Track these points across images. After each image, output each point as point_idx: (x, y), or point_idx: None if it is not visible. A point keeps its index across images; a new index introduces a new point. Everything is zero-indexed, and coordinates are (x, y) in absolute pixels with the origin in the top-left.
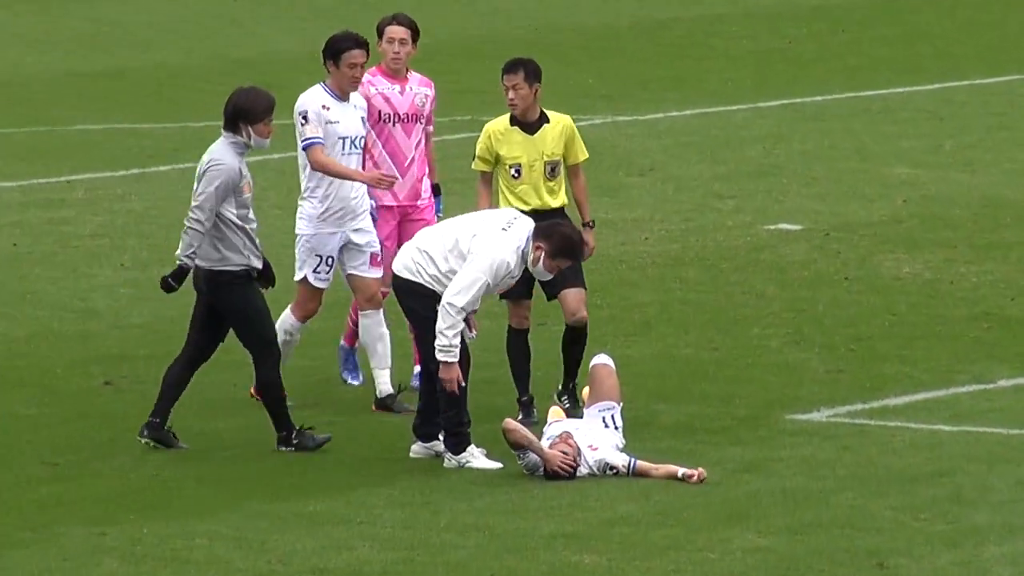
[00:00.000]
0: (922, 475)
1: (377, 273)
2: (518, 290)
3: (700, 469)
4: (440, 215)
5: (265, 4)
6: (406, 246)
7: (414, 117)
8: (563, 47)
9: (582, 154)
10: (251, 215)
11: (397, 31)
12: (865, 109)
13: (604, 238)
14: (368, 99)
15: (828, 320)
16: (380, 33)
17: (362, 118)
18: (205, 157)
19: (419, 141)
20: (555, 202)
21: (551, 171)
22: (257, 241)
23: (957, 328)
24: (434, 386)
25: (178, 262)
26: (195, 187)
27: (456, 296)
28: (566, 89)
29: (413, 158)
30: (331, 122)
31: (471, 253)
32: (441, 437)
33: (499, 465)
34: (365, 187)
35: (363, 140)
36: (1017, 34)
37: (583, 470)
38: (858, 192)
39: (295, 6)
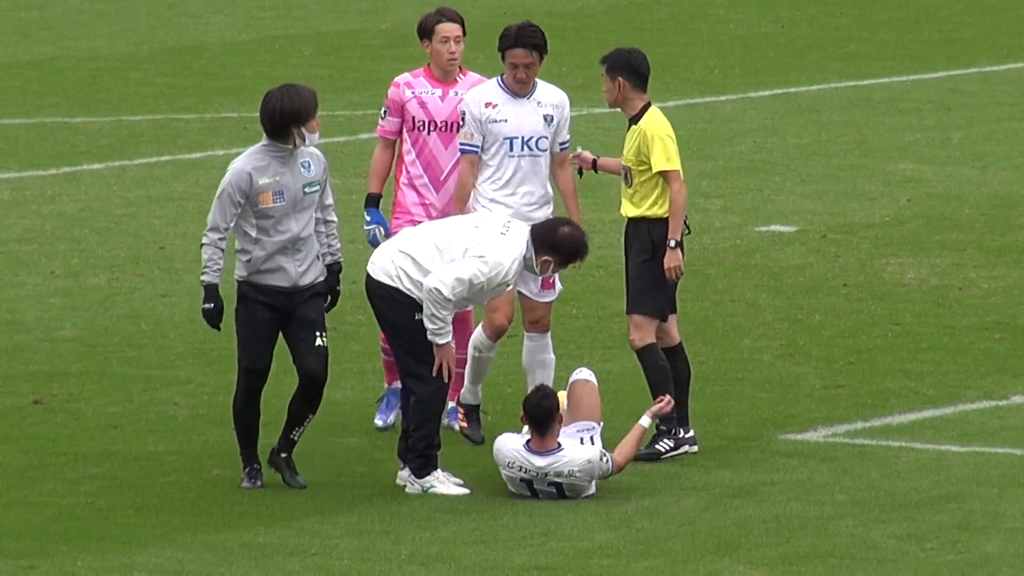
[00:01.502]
0: (928, 500)
1: (546, 297)
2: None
3: (660, 402)
4: None
5: None
6: (384, 247)
7: (455, 126)
8: None
9: (657, 163)
10: (281, 226)
11: (451, 29)
12: (865, 99)
13: None
14: (403, 104)
15: (825, 331)
16: (426, 32)
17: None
18: None
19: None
20: (633, 211)
21: (624, 177)
22: (300, 254)
23: (966, 339)
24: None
25: (201, 282)
26: None
27: (442, 283)
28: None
29: (452, 171)
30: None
31: (470, 252)
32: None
33: (466, 491)
34: (534, 196)
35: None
36: None
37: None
38: (858, 190)
39: None
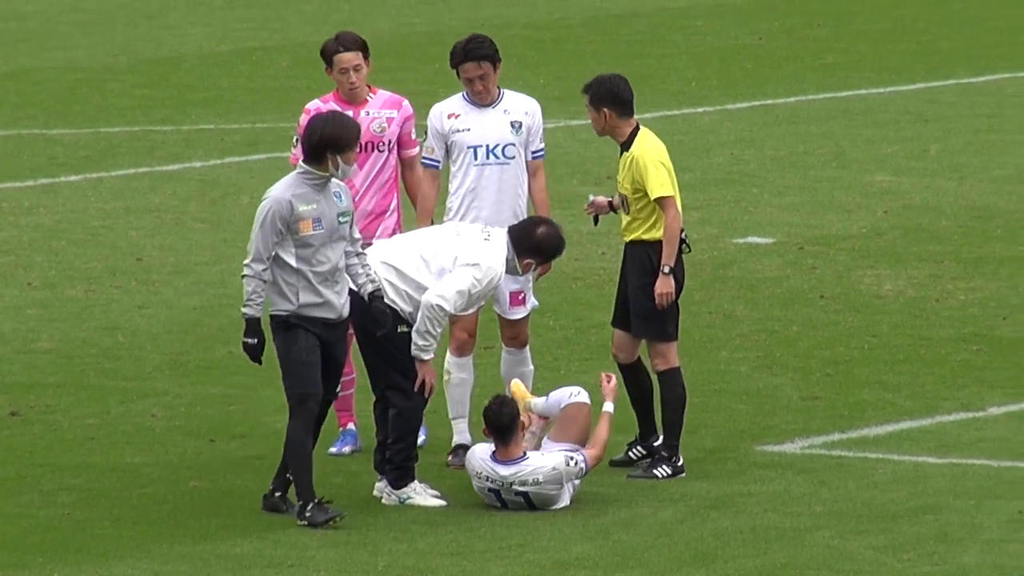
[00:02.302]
0: (905, 511)
1: (516, 314)
2: None
3: (608, 382)
4: None
5: None
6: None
7: (368, 146)
8: (512, 44)
9: (652, 189)
10: (320, 256)
11: (348, 59)
12: (843, 111)
13: None
14: None
15: (802, 342)
16: (327, 60)
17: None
18: None
19: (378, 172)
20: (631, 236)
21: (621, 203)
22: (337, 285)
23: (943, 351)
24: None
25: (243, 315)
26: None
27: (444, 298)
28: (514, 90)
29: (367, 190)
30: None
31: (460, 261)
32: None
33: (443, 503)
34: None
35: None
36: (1006, 30)
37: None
38: (835, 202)
39: None
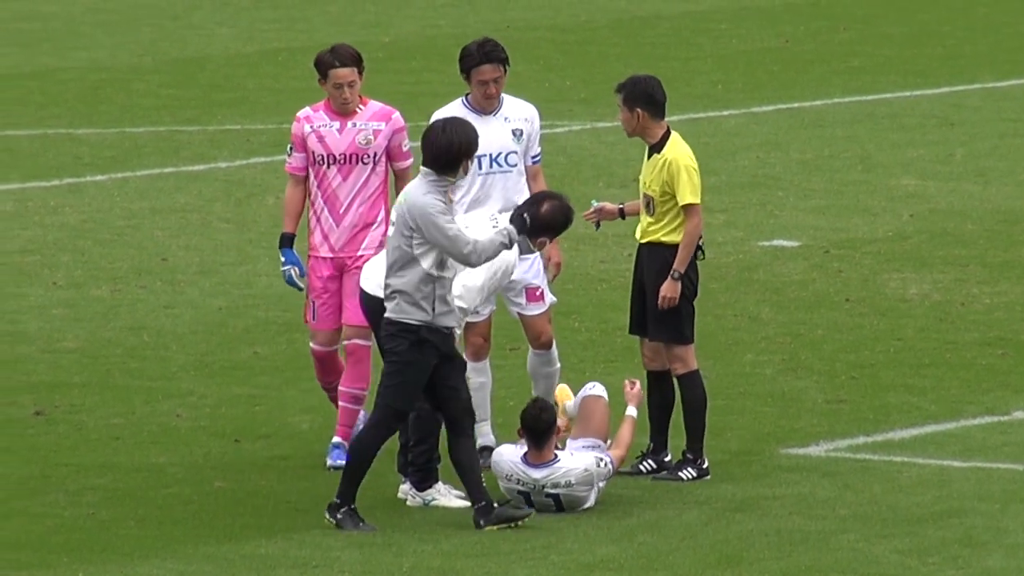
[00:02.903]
0: (930, 515)
1: (535, 309)
2: None
3: (632, 387)
4: None
5: None
6: (375, 261)
7: (354, 158)
8: (537, 46)
9: (682, 196)
10: (451, 262)
11: (344, 75)
12: (869, 115)
13: (583, 255)
14: (303, 139)
15: (828, 345)
16: (322, 72)
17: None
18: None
19: (363, 184)
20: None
21: (646, 204)
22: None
23: (968, 355)
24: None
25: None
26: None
27: (461, 298)
28: (541, 92)
29: (352, 204)
30: None
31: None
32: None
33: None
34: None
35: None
36: None
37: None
38: (861, 205)
39: None
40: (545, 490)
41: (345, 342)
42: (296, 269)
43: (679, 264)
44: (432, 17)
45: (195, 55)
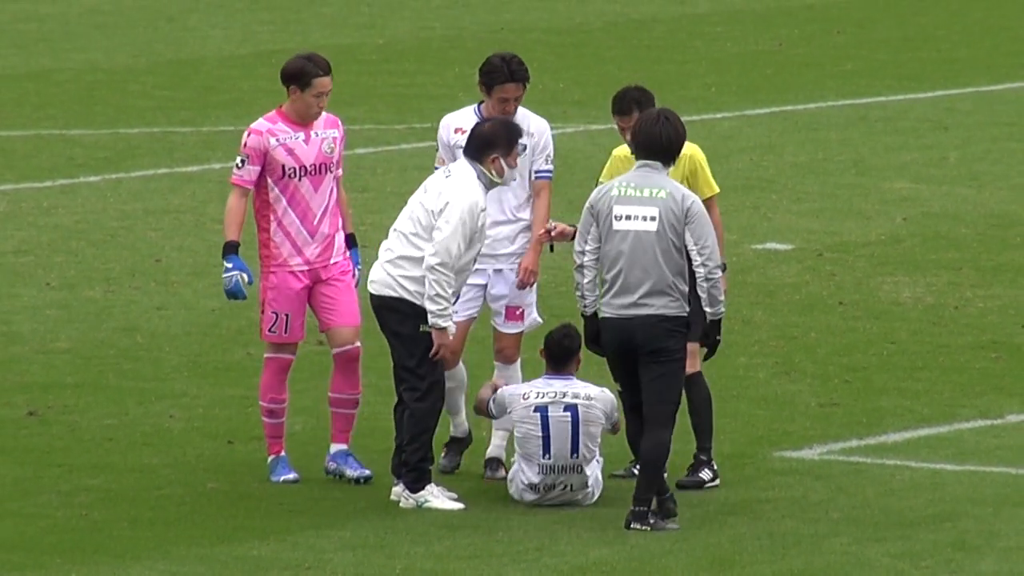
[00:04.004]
0: (923, 519)
1: (510, 328)
2: None
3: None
4: (360, 268)
5: None
6: (375, 265)
7: (323, 168)
8: (532, 49)
9: (708, 188)
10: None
11: (326, 83)
12: (862, 118)
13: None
14: (267, 152)
15: (821, 349)
16: (301, 82)
17: None
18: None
19: (329, 193)
20: None
21: None
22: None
23: (962, 358)
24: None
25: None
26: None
27: (438, 254)
28: (535, 95)
29: (324, 214)
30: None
31: (439, 212)
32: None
33: (461, 506)
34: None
35: None
36: None
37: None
38: (854, 209)
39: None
40: (565, 399)
41: (336, 349)
42: (244, 276)
43: (721, 256)
44: (426, 19)
45: (190, 57)
